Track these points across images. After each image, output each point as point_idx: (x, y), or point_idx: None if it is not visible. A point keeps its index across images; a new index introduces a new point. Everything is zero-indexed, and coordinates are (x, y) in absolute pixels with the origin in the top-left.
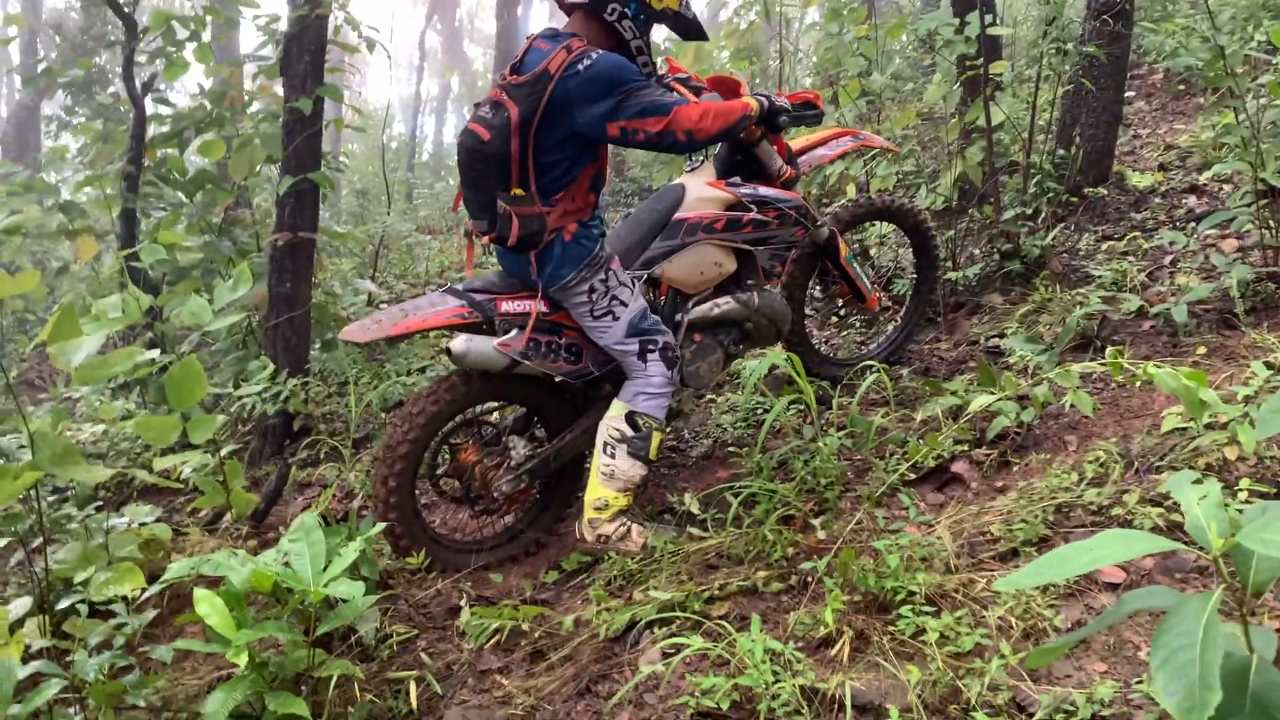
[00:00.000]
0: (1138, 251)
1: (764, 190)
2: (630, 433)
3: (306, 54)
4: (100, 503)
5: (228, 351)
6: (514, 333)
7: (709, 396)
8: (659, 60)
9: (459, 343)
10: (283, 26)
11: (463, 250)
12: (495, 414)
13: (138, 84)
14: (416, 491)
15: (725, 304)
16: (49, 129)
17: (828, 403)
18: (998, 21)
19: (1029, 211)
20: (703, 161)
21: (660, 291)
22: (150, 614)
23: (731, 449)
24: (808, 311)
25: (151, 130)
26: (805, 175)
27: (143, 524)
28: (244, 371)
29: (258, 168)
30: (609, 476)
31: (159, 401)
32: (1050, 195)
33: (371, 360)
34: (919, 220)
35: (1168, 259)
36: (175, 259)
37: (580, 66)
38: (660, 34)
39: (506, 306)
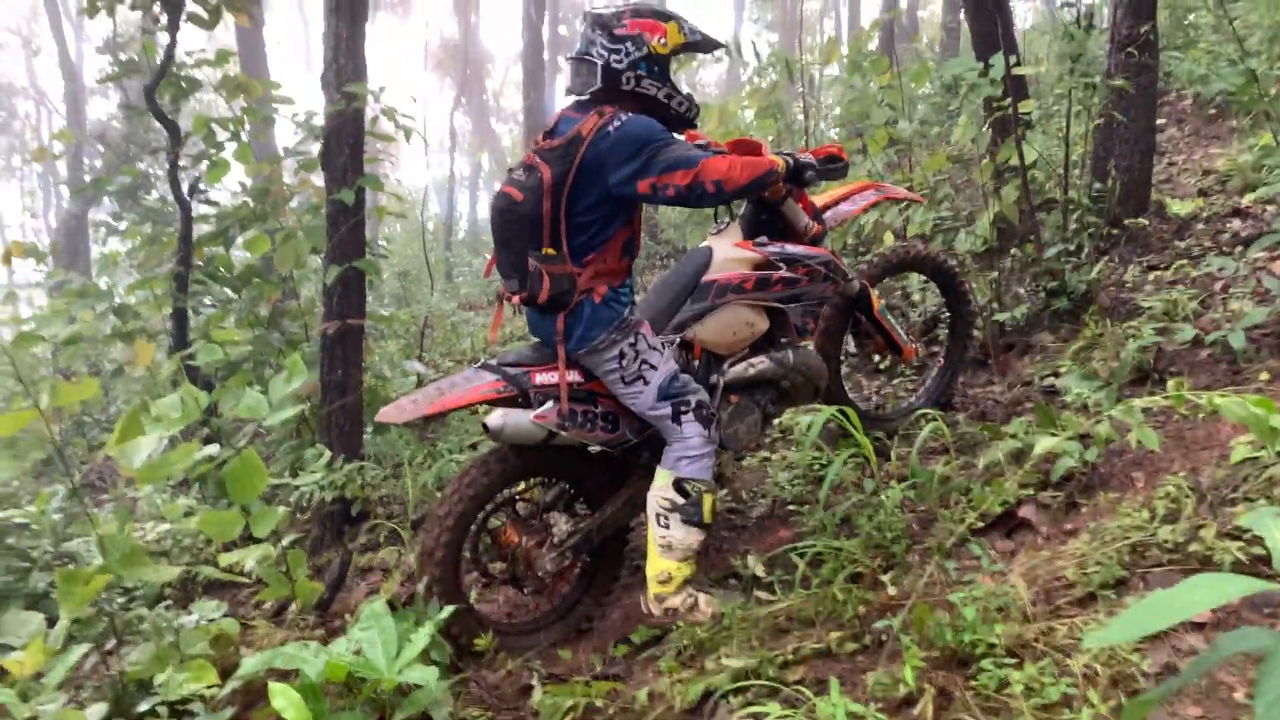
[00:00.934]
0: (1186, 280)
1: (792, 248)
2: (680, 500)
3: (346, 147)
4: (169, 601)
5: (281, 441)
6: (549, 404)
7: (764, 454)
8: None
9: (495, 418)
10: (319, 119)
11: (508, 320)
12: (533, 491)
13: (183, 187)
14: (462, 581)
15: (760, 364)
16: (97, 235)
17: (885, 454)
18: (1020, 61)
19: (1071, 248)
20: (729, 223)
21: (694, 354)
22: (227, 712)
23: (792, 507)
24: (844, 369)
25: (197, 230)
26: (831, 230)
27: (210, 620)
28: (299, 460)
29: (303, 259)
30: (667, 548)
31: (218, 496)
32: (1091, 229)
33: (424, 440)
34: (942, 265)
35: (1218, 285)
36: (227, 354)
37: (610, 128)
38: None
39: (540, 378)
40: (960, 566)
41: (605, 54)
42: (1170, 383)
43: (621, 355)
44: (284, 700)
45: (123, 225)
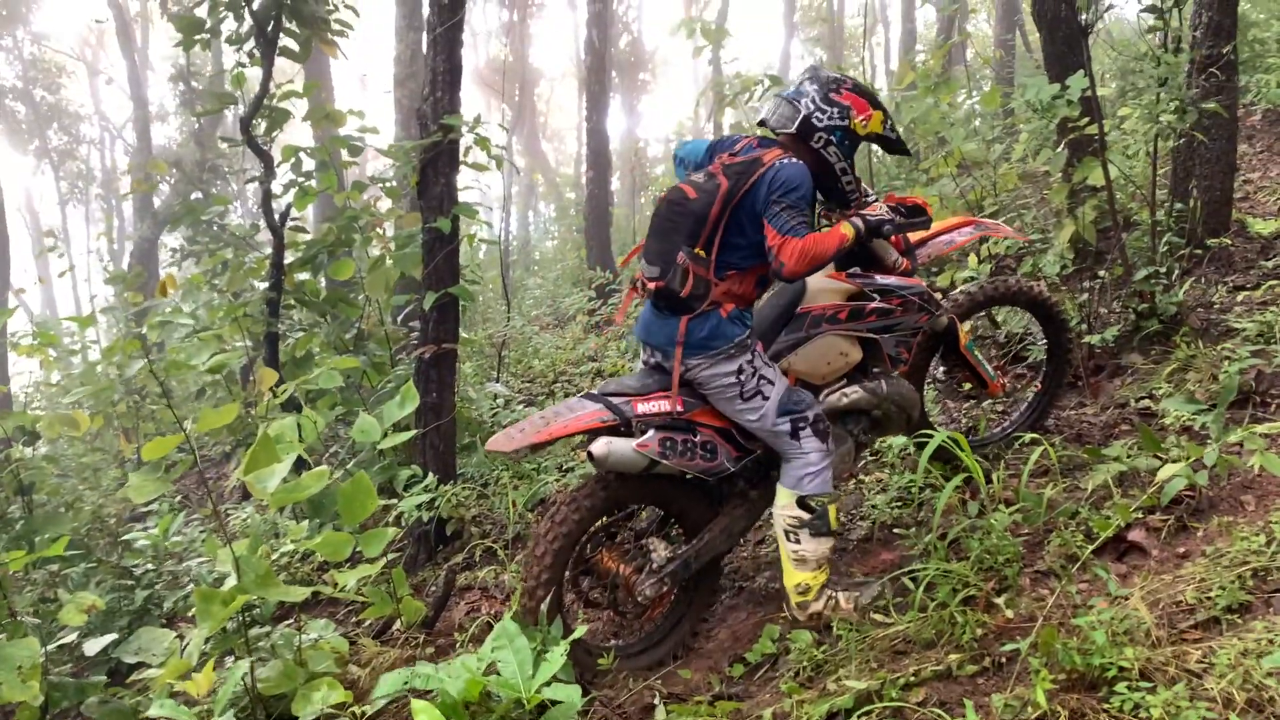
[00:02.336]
0: (1277, 300)
1: (885, 278)
2: (807, 516)
3: (442, 177)
4: (289, 620)
5: (373, 463)
6: (651, 433)
7: (858, 479)
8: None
9: (600, 445)
10: (389, 148)
11: (579, 340)
12: (632, 518)
13: (275, 214)
14: (563, 604)
15: (854, 393)
16: (174, 259)
17: (988, 477)
18: (1092, 81)
19: (1161, 269)
20: None
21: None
22: None
23: (895, 530)
24: (933, 390)
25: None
26: (922, 266)
27: (321, 637)
28: (390, 481)
29: (392, 285)
30: (801, 561)
31: (314, 516)
32: (1175, 250)
33: (513, 460)
34: (1036, 297)
35: None
36: (342, 381)
37: (780, 165)
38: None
39: (642, 408)
40: (1078, 589)
41: (812, 107)
42: None
43: (740, 370)
44: (427, 717)
45: (202, 251)
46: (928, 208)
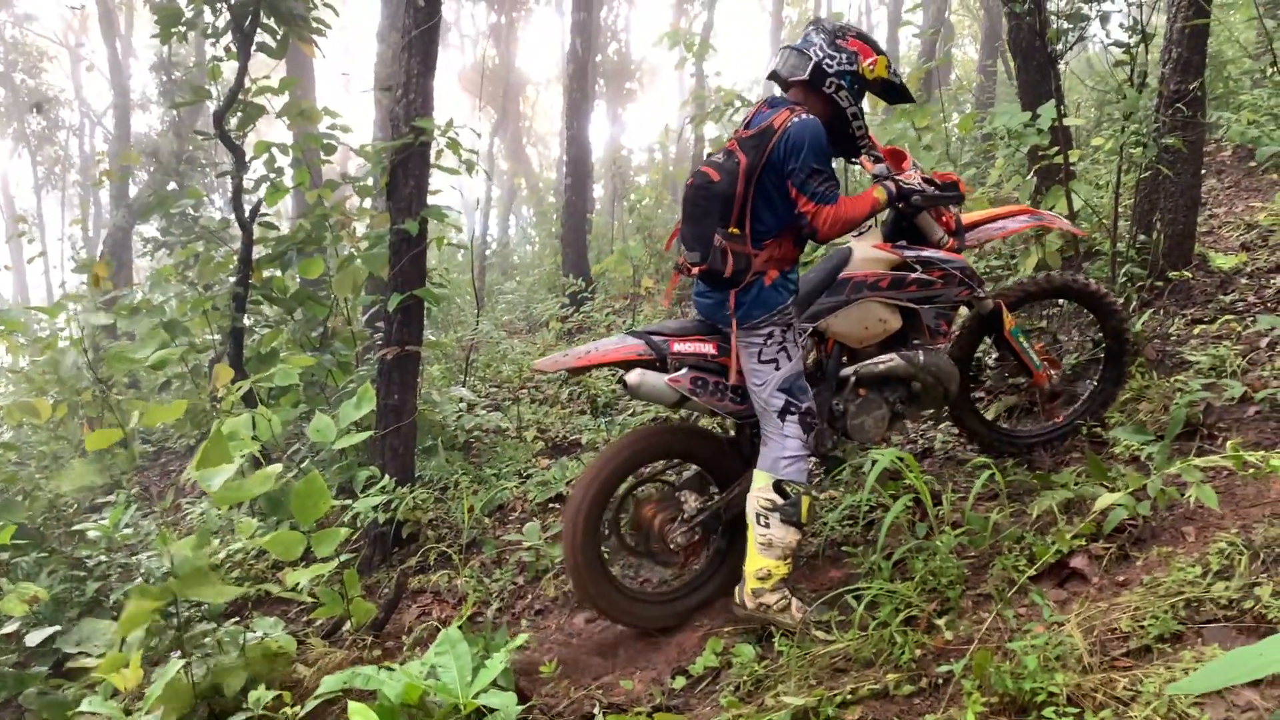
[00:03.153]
0: (1231, 335)
1: (928, 251)
2: (780, 501)
3: (412, 178)
4: (236, 617)
5: (332, 462)
6: (684, 370)
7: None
8: None
9: (634, 375)
10: (367, 144)
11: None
12: (672, 473)
13: (246, 209)
14: (603, 547)
15: (890, 360)
16: (146, 249)
17: (938, 499)
18: (1065, 111)
19: (1119, 300)
20: (871, 227)
21: (827, 347)
22: None
23: (844, 549)
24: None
25: (256, 252)
26: (971, 248)
27: (267, 635)
28: (349, 481)
29: (360, 285)
30: (767, 546)
31: (269, 514)
32: (1136, 281)
33: (469, 461)
34: (1088, 290)
35: (1264, 342)
36: (300, 378)
37: (792, 126)
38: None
39: (679, 347)
40: (1016, 614)
41: (821, 54)
42: (1229, 443)
43: (770, 336)
44: (363, 718)
45: (174, 243)
46: (961, 184)
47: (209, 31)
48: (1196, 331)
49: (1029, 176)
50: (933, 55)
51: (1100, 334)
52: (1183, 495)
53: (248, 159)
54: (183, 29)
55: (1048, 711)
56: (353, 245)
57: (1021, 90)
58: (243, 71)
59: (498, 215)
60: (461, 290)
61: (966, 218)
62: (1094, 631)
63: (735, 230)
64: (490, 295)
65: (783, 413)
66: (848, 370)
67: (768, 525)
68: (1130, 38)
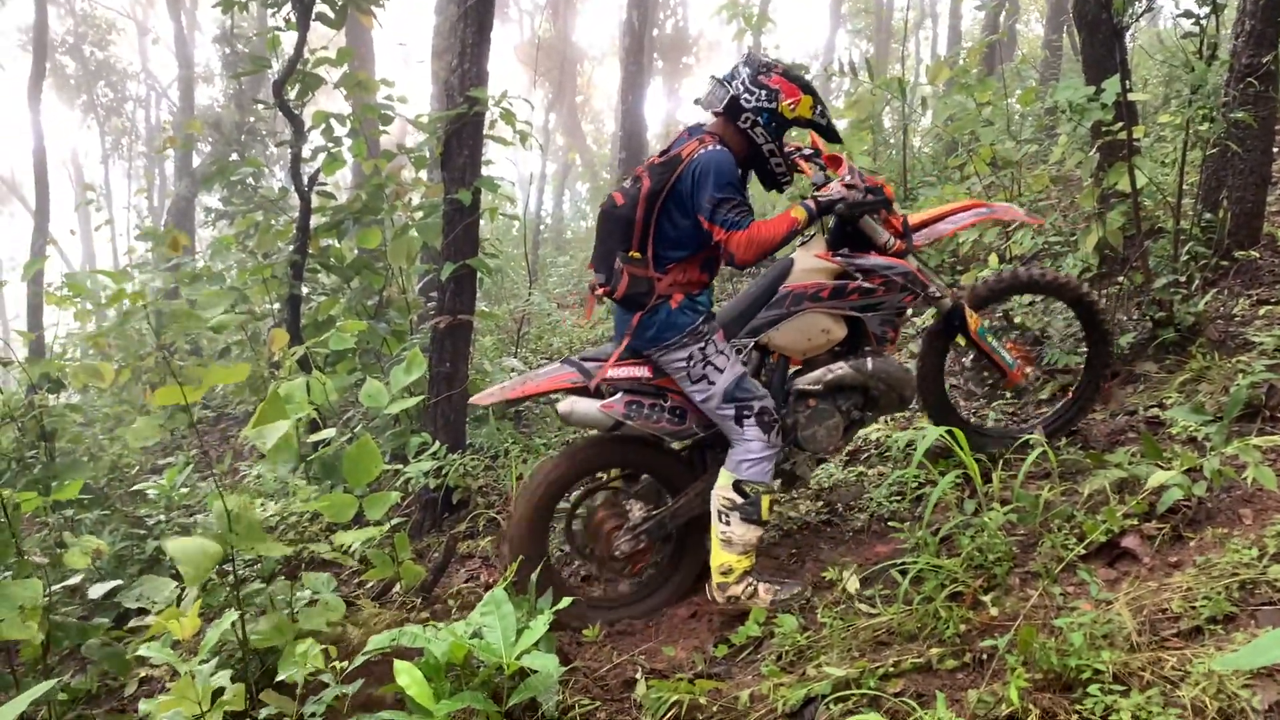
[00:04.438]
0: None
1: (869, 259)
2: (740, 500)
3: (465, 149)
4: (284, 576)
5: (386, 428)
6: (618, 395)
7: (860, 469)
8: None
9: (564, 404)
10: (424, 117)
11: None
12: (625, 482)
13: (304, 179)
14: (545, 552)
15: (838, 369)
16: (208, 219)
17: (988, 476)
18: (1131, 86)
19: (1181, 278)
20: (813, 236)
21: (772, 359)
22: (358, 684)
23: (891, 524)
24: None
25: (314, 221)
26: (920, 248)
27: (319, 596)
28: (402, 447)
29: (414, 254)
30: (728, 543)
31: (323, 477)
32: (1200, 260)
33: (520, 431)
34: (1064, 284)
35: None
36: (355, 344)
37: (699, 157)
38: None
39: (613, 372)
40: (1064, 592)
41: (741, 89)
42: None
43: (690, 358)
44: (409, 678)
45: (235, 213)
46: (888, 189)
47: (269, 2)
48: (1262, 313)
49: (1091, 153)
50: (996, 29)
51: (1080, 326)
52: (1240, 476)
53: (306, 129)
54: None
55: (1093, 689)
56: (408, 215)
57: (1086, 64)
58: (301, 42)
59: (552, 190)
60: (515, 263)
61: (915, 217)
62: (1143, 611)
63: (636, 254)
64: (543, 269)
65: (738, 419)
66: (791, 382)
67: (729, 523)
68: (1200, 8)
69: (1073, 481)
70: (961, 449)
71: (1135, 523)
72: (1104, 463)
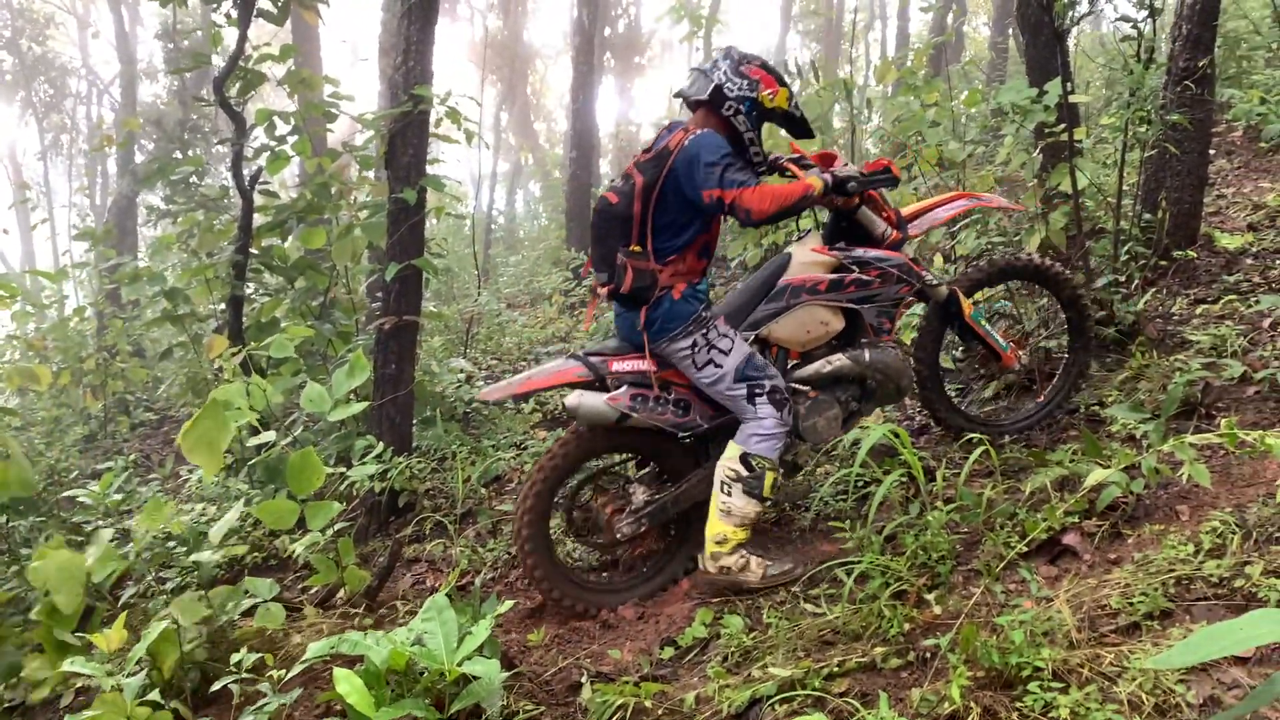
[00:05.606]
0: (1234, 315)
1: (865, 252)
2: (745, 473)
3: (410, 147)
4: (226, 582)
5: (330, 431)
6: (623, 389)
7: (806, 470)
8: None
9: (572, 398)
10: (369, 114)
11: (551, 320)
12: (629, 467)
13: (246, 177)
14: (551, 534)
15: (837, 360)
16: (150, 218)
17: (932, 474)
18: (1073, 88)
19: (1120, 278)
20: (809, 231)
21: (771, 353)
22: (297, 692)
23: (834, 523)
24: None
25: (256, 220)
26: (915, 238)
27: (258, 600)
28: (348, 450)
29: (359, 254)
30: (726, 513)
31: (267, 481)
32: (1139, 260)
33: (467, 432)
34: (1046, 270)
35: (1266, 322)
36: (297, 348)
37: (688, 143)
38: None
39: (618, 366)
40: (1006, 589)
41: (724, 78)
42: (1223, 421)
43: (694, 345)
44: (347, 685)
45: (177, 211)
46: (894, 167)
47: None
48: (1199, 311)
49: (1035, 154)
50: (943, 30)
51: (1060, 308)
52: (1177, 473)
53: (249, 127)
54: None
55: (1033, 686)
56: (353, 215)
57: (1029, 67)
58: (243, 38)
59: (504, 189)
60: (465, 263)
61: (907, 210)
62: (1083, 608)
63: (637, 248)
64: (494, 269)
65: (750, 397)
66: (790, 374)
67: (730, 494)
68: (1138, 12)
69: (1015, 479)
70: (905, 447)
71: (1076, 520)
72: (1045, 461)
